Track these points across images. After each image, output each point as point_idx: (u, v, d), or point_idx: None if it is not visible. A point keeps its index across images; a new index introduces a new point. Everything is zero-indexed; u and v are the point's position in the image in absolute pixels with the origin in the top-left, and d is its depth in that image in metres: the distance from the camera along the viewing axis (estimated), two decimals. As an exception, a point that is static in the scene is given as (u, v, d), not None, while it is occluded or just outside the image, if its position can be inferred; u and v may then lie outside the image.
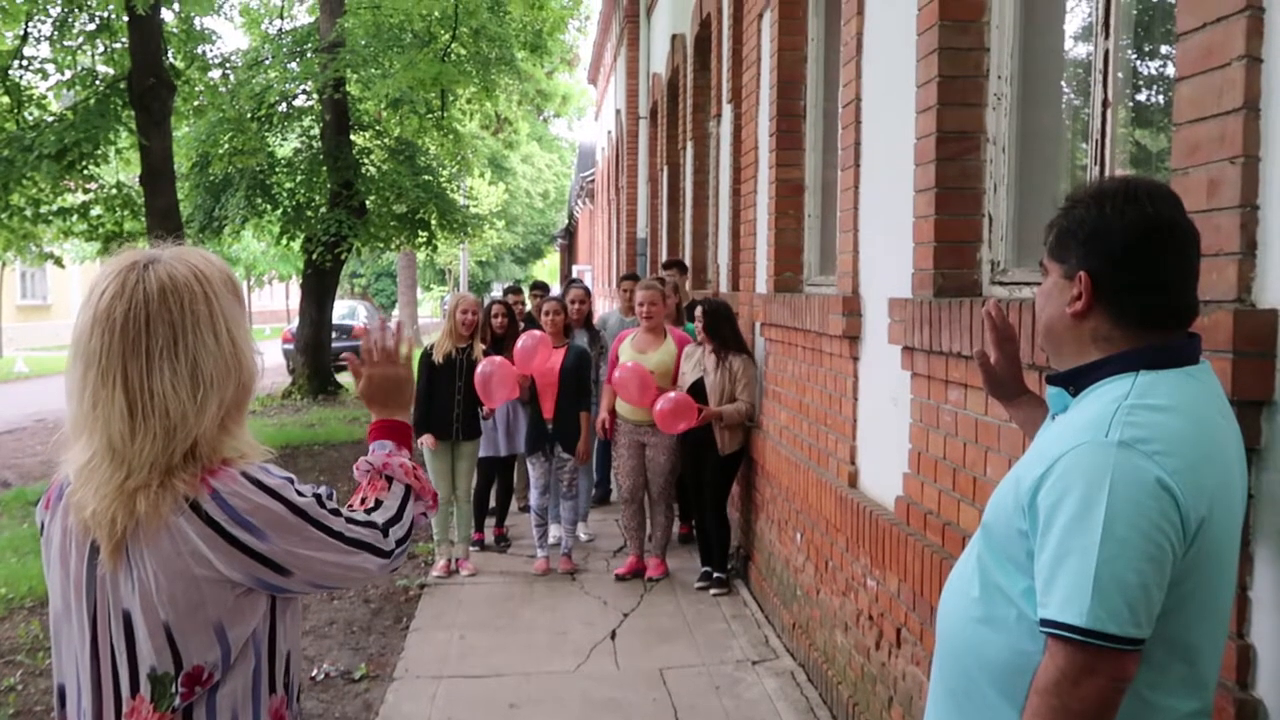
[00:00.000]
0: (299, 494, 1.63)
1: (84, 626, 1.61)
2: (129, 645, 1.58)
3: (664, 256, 11.87)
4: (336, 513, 1.67)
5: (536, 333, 6.91)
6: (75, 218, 13.58)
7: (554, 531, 7.16)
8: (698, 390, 6.36)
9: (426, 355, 6.79)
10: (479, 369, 6.52)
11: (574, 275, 25.21)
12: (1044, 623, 1.55)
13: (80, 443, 1.59)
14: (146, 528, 1.54)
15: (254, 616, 1.63)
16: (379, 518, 1.73)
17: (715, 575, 6.50)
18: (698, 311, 6.43)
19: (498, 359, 6.62)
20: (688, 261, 10.00)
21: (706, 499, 6.55)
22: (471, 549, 7.14)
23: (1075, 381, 1.71)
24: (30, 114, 13.19)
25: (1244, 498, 1.69)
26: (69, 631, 1.64)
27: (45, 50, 13.20)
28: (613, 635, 5.70)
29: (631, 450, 6.82)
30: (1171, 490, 1.50)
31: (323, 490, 1.69)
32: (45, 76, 13.44)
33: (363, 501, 1.77)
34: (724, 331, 6.36)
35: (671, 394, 6.24)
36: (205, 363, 1.57)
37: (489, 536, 7.61)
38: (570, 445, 6.88)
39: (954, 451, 3.39)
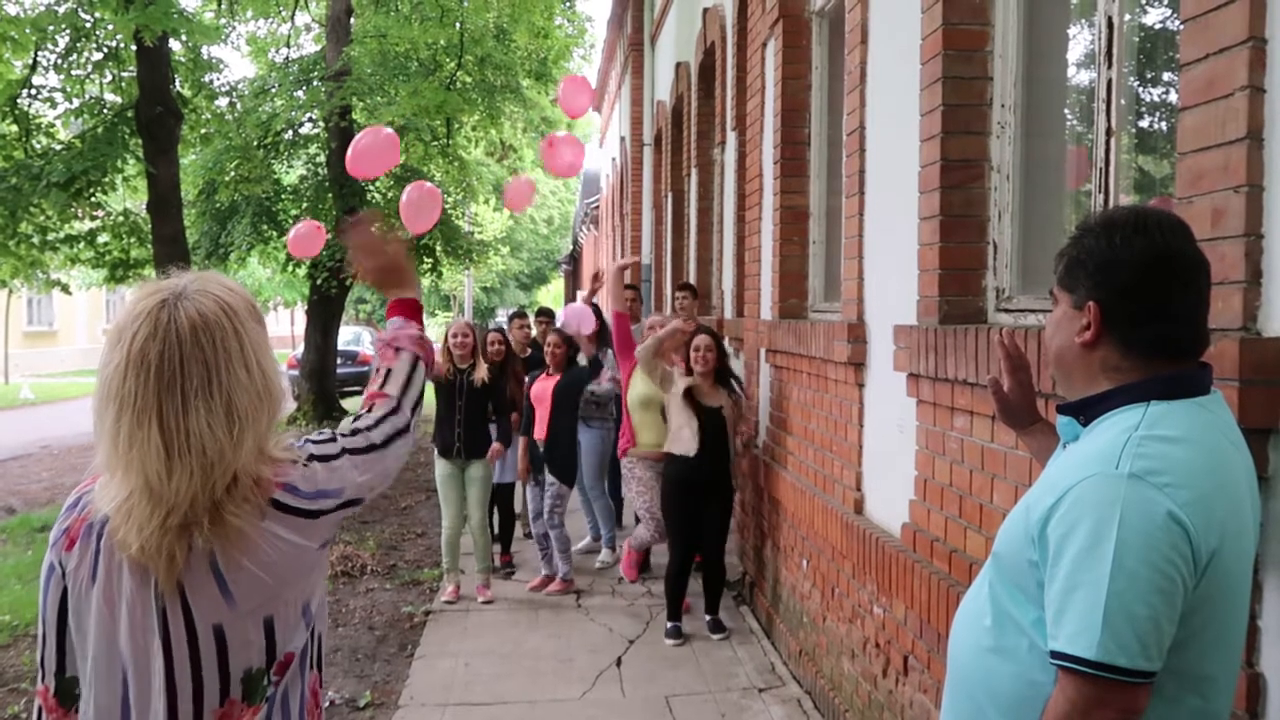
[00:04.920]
0: (330, 443, 1.76)
1: (151, 656, 1.61)
2: (220, 656, 1.61)
3: (668, 283, 11.90)
4: (356, 431, 1.82)
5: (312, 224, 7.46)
6: (82, 245, 13.62)
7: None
8: (707, 421, 6.12)
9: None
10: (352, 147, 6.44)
11: (579, 300, 25.22)
12: (1054, 655, 1.54)
13: (115, 479, 1.59)
14: (236, 544, 1.58)
15: (321, 587, 1.77)
16: (393, 389, 1.92)
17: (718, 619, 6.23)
18: (702, 345, 6.18)
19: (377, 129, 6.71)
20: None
21: (709, 540, 6.20)
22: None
23: (1085, 411, 1.71)
24: (39, 142, 13.26)
25: (1256, 529, 1.69)
26: (109, 669, 1.63)
27: (54, 79, 13.28)
28: (619, 662, 5.67)
29: (658, 482, 6.46)
30: (1182, 523, 1.50)
31: (326, 433, 1.80)
32: (54, 105, 13.51)
33: (376, 372, 1.97)
34: (729, 369, 6.37)
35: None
36: (239, 398, 1.60)
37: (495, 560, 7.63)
38: (558, 469, 6.95)
39: (960, 478, 3.39)
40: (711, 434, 6.08)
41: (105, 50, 12.99)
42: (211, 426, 1.56)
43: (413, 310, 2.07)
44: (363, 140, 5.96)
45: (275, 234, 16.52)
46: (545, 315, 9.65)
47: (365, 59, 15.06)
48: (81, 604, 1.64)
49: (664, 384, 6.27)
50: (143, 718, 1.62)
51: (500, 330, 7.69)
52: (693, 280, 10.20)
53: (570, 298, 34.31)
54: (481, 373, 6.89)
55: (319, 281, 15.97)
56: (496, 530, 7.78)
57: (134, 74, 12.57)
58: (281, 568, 1.62)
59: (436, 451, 6.94)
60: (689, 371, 6.21)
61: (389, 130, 6.22)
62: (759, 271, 6.53)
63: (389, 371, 1.95)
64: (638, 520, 6.77)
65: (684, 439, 6.09)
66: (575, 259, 35.63)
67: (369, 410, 1.88)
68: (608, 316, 7.38)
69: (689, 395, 6.09)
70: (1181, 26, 2.19)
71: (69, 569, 1.65)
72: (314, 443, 1.75)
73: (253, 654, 1.63)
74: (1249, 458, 1.69)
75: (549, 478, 7.00)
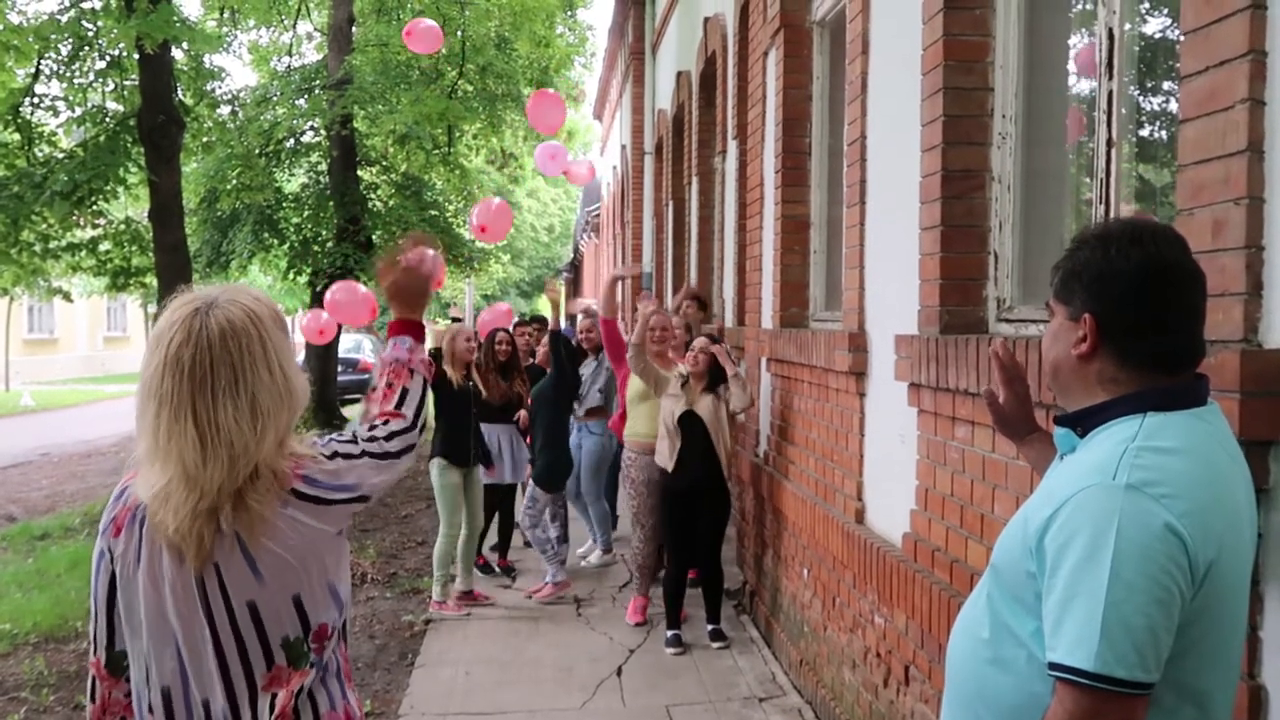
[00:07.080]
0: (352, 444, 1.95)
1: (201, 627, 1.80)
2: (258, 627, 1.81)
3: (669, 291, 11.90)
4: (374, 439, 1.98)
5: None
6: (84, 253, 13.61)
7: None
8: (690, 425, 6.03)
9: (442, 376, 6.86)
10: (330, 295, 6.64)
11: (581, 307, 25.26)
12: (1052, 666, 1.54)
13: (155, 468, 1.78)
14: (259, 528, 1.77)
15: (347, 572, 1.95)
16: (409, 411, 2.07)
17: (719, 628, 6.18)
18: (698, 347, 6.12)
19: (354, 287, 6.99)
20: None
21: (704, 547, 6.13)
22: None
23: (1082, 422, 1.71)
24: (41, 150, 13.26)
25: (1253, 540, 1.68)
26: (162, 641, 1.82)
27: (56, 87, 13.31)
28: (619, 672, 5.66)
29: (651, 488, 6.46)
30: (1179, 534, 1.49)
31: (348, 433, 1.98)
32: (56, 113, 13.51)
33: (389, 386, 2.11)
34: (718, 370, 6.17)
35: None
36: (262, 397, 1.79)
37: (493, 565, 7.68)
38: (542, 480, 7.02)
39: (961, 488, 3.39)
40: (697, 442, 6.02)
41: (108, 59, 13.02)
42: (238, 421, 1.75)
43: (420, 333, 2.21)
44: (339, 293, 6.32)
45: (276, 242, 16.55)
46: (538, 322, 9.70)
47: (367, 67, 15.10)
48: (129, 585, 1.83)
49: (658, 388, 6.25)
50: (199, 681, 1.82)
51: (507, 331, 7.72)
52: (694, 287, 10.20)
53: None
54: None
55: (320, 289, 15.97)
56: (495, 536, 7.83)
57: (136, 82, 12.59)
58: (303, 550, 1.82)
59: (445, 460, 6.80)
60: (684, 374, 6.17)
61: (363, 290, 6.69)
62: (760, 280, 6.53)
63: (405, 391, 2.09)
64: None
65: (662, 451, 6.16)
66: (576, 267, 35.65)
67: (385, 423, 2.04)
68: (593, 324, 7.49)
69: (683, 418, 6.03)
70: (1182, 38, 2.20)
71: (116, 554, 1.84)
72: (339, 441, 1.94)
73: (286, 625, 1.83)
74: (1246, 469, 1.68)
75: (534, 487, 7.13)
